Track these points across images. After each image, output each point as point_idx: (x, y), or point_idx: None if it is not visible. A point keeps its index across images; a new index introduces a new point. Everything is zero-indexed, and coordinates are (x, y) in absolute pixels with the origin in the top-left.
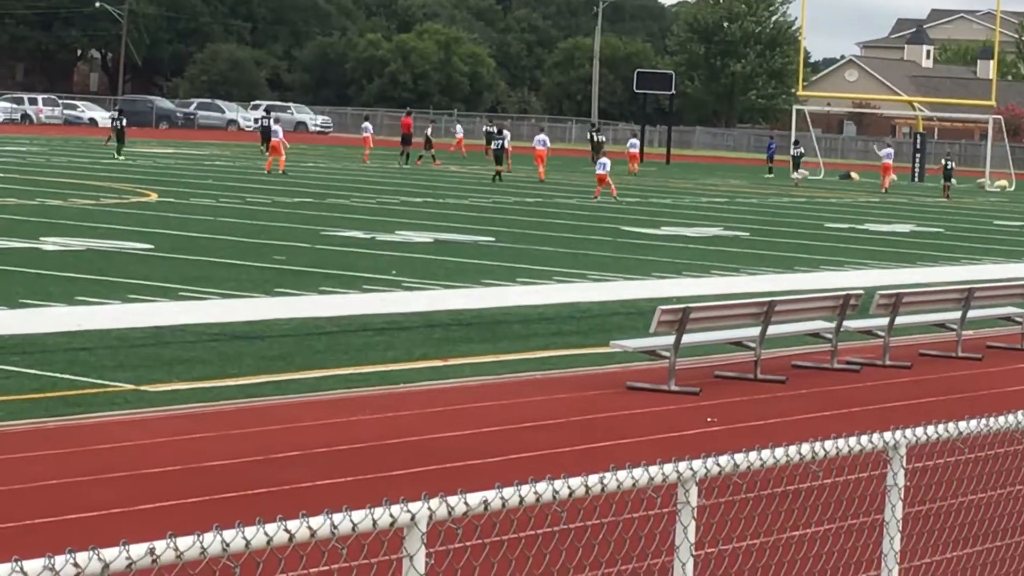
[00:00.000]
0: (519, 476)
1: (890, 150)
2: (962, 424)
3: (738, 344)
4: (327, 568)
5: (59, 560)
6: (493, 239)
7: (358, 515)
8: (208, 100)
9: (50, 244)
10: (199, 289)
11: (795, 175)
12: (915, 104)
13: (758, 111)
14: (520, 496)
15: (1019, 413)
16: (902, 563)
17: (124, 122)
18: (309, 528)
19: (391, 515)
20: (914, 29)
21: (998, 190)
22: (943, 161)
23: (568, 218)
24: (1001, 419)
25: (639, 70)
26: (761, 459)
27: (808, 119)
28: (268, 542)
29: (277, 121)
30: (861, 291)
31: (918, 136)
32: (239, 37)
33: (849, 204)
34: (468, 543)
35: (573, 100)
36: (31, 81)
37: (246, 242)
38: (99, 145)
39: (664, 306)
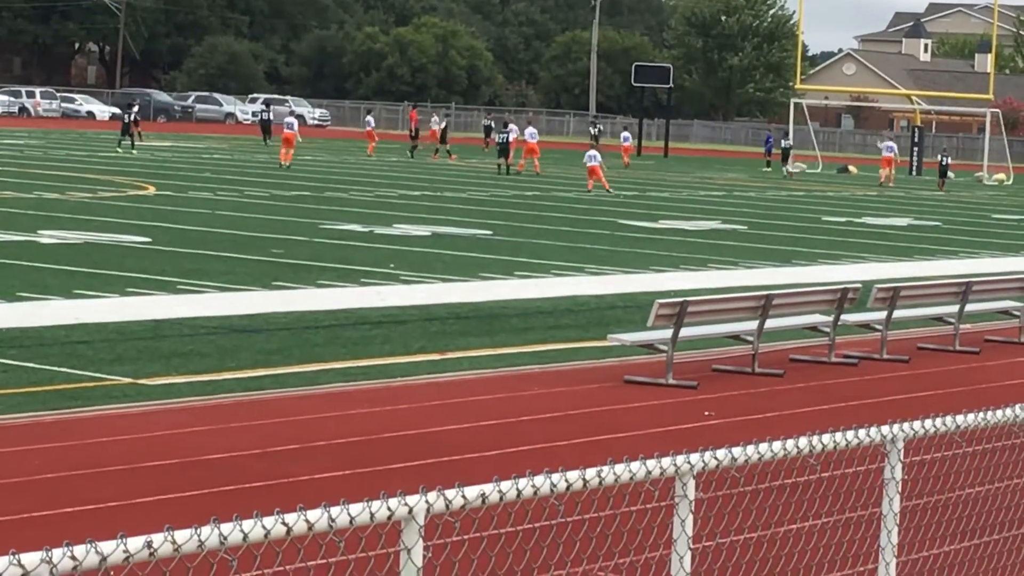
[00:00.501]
0: (517, 469)
1: (891, 143)
2: (960, 418)
3: (736, 338)
4: (324, 561)
5: (56, 553)
6: (491, 232)
7: (355, 508)
8: (206, 93)
9: (47, 237)
10: (197, 282)
11: (788, 168)
12: (913, 98)
13: (756, 104)
14: (517, 489)
15: (1017, 407)
16: (900, 556)
17: (132, 116)
18: (306, 521)
19: (388, 508)
20: (912, 23)
21: (996, 184)
22: (939, 157)
23: (566, 211)
24: (999, 412)
25: (637, 63)
26: (759, 452)
27: (806, 113)
28: (266, 535)
29: (292, 114)
30: (859, 285)
31: (916, 130)
32: (237, 30)
33: (847, 198)
34: (466, 536)
35: (571, 93)
36: (29, 74)
37: (244, 235)
38: (97, 139)
39: (662, 300)
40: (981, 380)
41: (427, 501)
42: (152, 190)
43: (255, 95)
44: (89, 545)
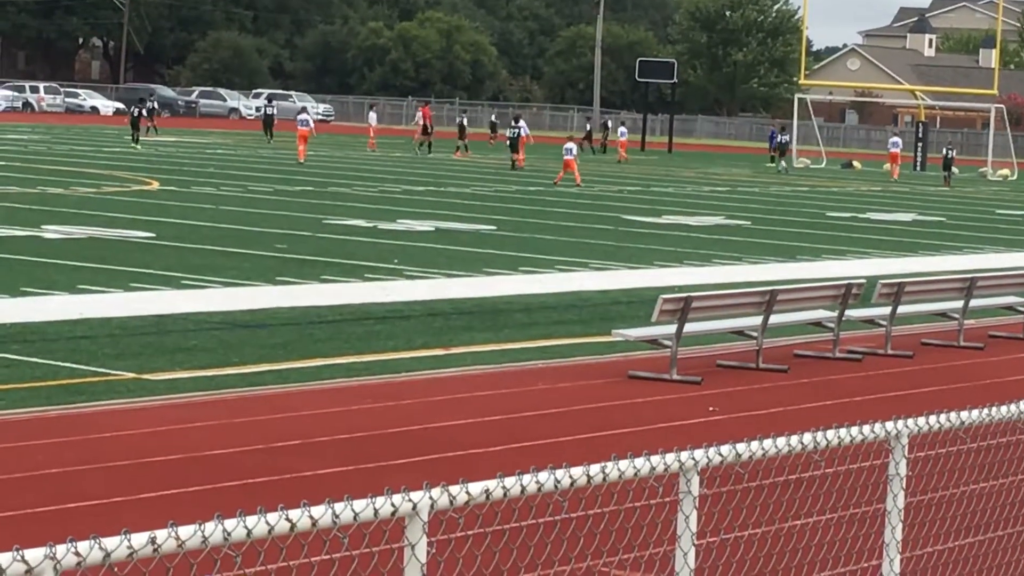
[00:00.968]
0: (521, 465)
1: (896, 139)
2: (964, 413)
3: (740, 333)
4: (328, 557)
5: (60, 549)
6: (495, 228)
7: (359, 504)
8: (210, 88)
9: (51, 232)
10: (201, 277)
11: (783, 163)
12: (917, 93)
13: (760, 100)
14: (522, 485)
15: (1021, 403)
16: (904, 552)
17: (142, 111)
18: (311, 517)
19: (393, 504)
20: (916, 18)
21: (1000, 179)
22: (944, 150)
23: (570, 207)
24: (1003, 408)
25: (641, 59)
26: (763, 448)
27: (810, 108)
28: (270, 531)
29: (304, 110)
30: (863, 280)
31: (920, 125)
32: (241, 25)
33: (851, 193)
34: (470, 532)
35: (575, 89)
36: (33, 69)
37: (248, 230)
38: (101, 134)
39: (666, 295)
40: (985, 376)
41: (431, 497)
42: (156, 185)
43: (259, 90)
44: (93, 541)
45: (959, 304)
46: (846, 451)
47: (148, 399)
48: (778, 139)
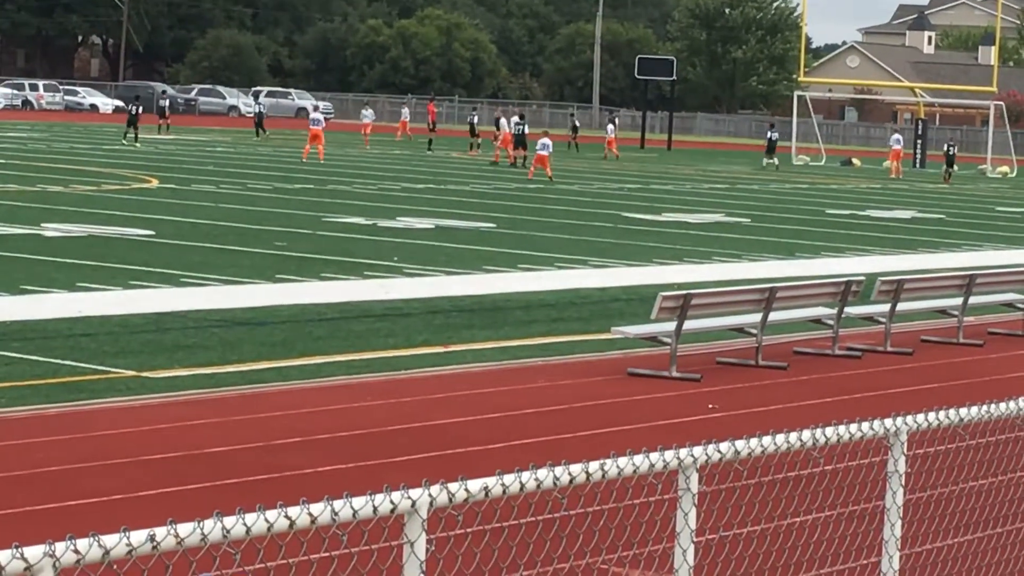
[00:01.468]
0: (520, 462)
1: (898, 136)
2: (963, 410)
3: (739, 330)
4: (328, 555)
5: (59, 546)
6: (494, 225)
7: (359, 501)
8: (209, 86)
9: (51, 230)
10: (200, 275)
11: (770, 160)
12: (916, 90)
13: (759, 97)
14: (521, 482)
15: (1020, 399)
16: (903, 549)
17: (140, 109)
18: (310, 514)
19: (392, 501)
20: (916, 15)
21: (1000, 176)
22: (946, 146)
23: (569, 204)
24: (1002, 405)
25: (640, 56)
26: (762, 445)
27: (809, 105)
28: (269, 528)
29: (316, 109)
30: (862, 277)
31: (919, 122)
32: (240, 23)
33: (850, 190)
34: (469, 529)
35: (574, 86)
36: (32, 67)
37: (247, 228)
38: (100, 132)
39: (665, 292)
40: (985, 373)
41: (430, 494)
42: (155, 183)
43: (258, 88)
44: (92, 539)
45: (958, 301)
46: (845, 448)
47: (148, 397)
48: (768, 135)
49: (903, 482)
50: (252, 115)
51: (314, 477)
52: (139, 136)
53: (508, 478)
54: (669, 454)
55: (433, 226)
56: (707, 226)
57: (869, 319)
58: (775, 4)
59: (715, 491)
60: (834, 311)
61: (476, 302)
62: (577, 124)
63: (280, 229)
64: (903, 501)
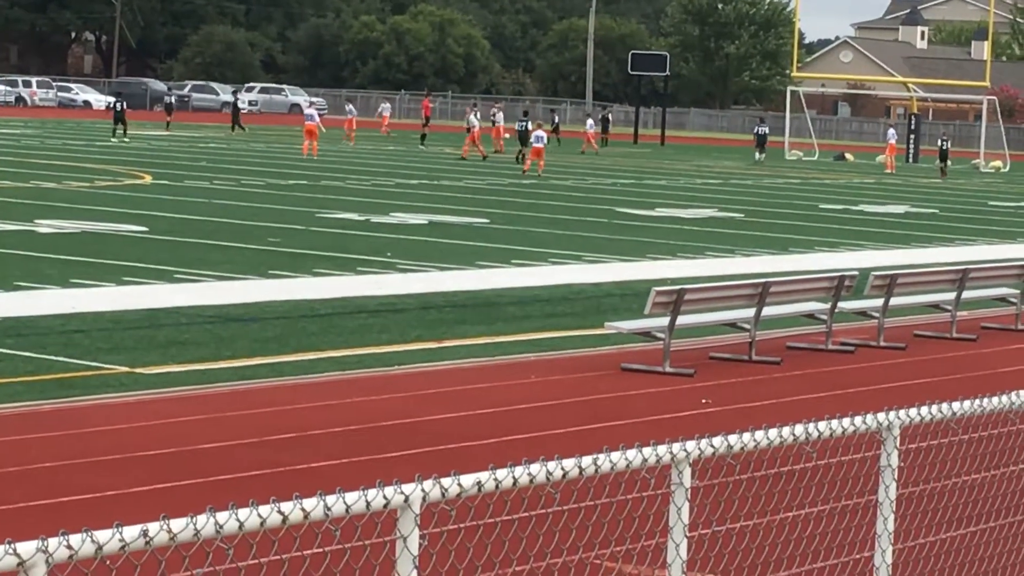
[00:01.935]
0: (513, 457)
1: (893, 131)
2: (956, 405)
3: (733, 325)
4: (321, 550)
5: (52, 542)
6: (488, 221)
7: (352, 496)
8: (202, 82)
9: (44, 227)
10: (193, 271)
11: (762, 155)
12: (910, 85)
13: (752, 93)
14: (514, 477)
15: (1013, 394)
16: (896, 544)
17: (124, 104)
18: (303, 510)
19: (385, 497)
20: (909, 10)
21: (992, 171)
22: (940, 142)
23: (563, 200)
24: (995, 400)
25: (634, 51)
26: (755, 440)
27: (802, 100)
28: (262, 524)
29: (311, 105)
30: (856, 272)
31: (912, 117)
32: (233, 19)
33: (844, 185)
34: (462, 524)
35: (568, 81)
36: (25, 63)
37: (241, 224)
38: (94, 128)
39: (659, 288)
40: (978, 367)
41: (423, 489)
42: (149, 179)
43: (251, 84)
44: (85, 534)
45: (951, 296)
46: (838, 442)
47: (141, 393)
48: (756, 130)
49: (896, 476)
50: (250, 111)
51: (307, 472)
52: (127, 131)
53: (501, 473)
54: (662, 449)
55: (427, 222)
56: (700, 221)
57: (862, 314)
58: None
59: (708, 486)
60: (827, 306)
61: (469, 298)
62: (557, 120)
63: (273, 225)
64: (896, 495)
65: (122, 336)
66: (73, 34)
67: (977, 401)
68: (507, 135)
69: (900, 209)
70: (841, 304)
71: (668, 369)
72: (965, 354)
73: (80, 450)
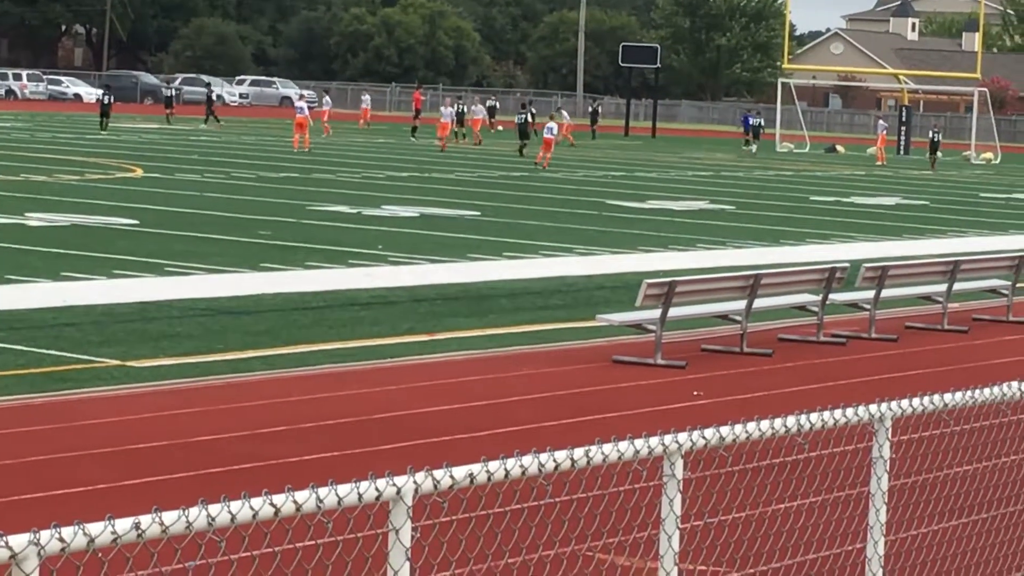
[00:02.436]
0: (505, 449)
1: (882, 122)
2: (947, 396)
3: (724, 317)
4: (313, 542)
5: (45, 534)
6: (479, 213)
7: (344, 489)
8: (193, 75)
9: (35, 220)
10: (185, 264)
11: (750, 147)
12: (901, 77)
13: (743, 85)
14: (506, 470)
15: (1004, 385)
16: (888, 535)
17: (111, 98)
18: (295, 502)
19: (377, 488)
20: (899, 2)
21: (984, 163)
22: (931, 133)
23: (554, 192)
24: (986, 391)
25: (624, 44)
26: (747, 432)
27: (793, 92)
28: (254, 516)
29: (302, 98)
30: (847, 264)
31: (904, 109)
32: (224, 12)
33: (835, 177)
34: (454, 517)
35: (559, 74)
36: (15, 56)
37: (232, 217)
38: (84, 121)
39: (650, 280)
40: (969, 359)
41: (415, 482)
42: (139, 172)
43: (242, 77)
44: (77, 527)
45: (943, 287)
46: (830, 434)
47: (133, 386)
48: (751, 122)
49: (888, 468)
50: (242, 104)
51: (299, 465)
52: (108, 124)
53: (493, 465)
54: (654, 440)
55: (418, 214)
56: (692, 213)
57: (854, 306)
58: None
59: (700, 477)
60: (819, 298)
61: (461, 290)
62: (533, 111)
63: (265, 218)
64: (888, 487)
65: (113, 329)
66: (63, 27)
67: (969, 393)
68: (500, 127)
69: (891, 201)
70: (832, 296)
71: (660, 361)
72: (956, 346)
73: (72, 443)
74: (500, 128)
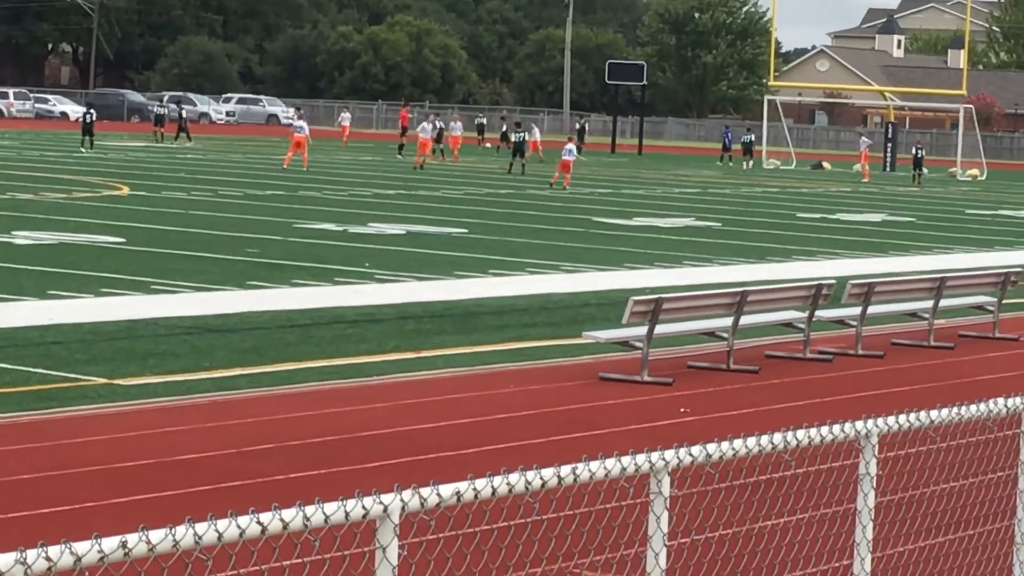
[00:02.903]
0: (492, 467)
1: (864, 139)
2: (934, 413)
3: (711, 334)
4: (300, 560)
5: (31, 554)
6: (466, 231)
7: (331, 507)
8: (180, 93)
9: (22, 238)
10: (171, 282)
11: (746, 163)
12: (886, 94)
13: (729, 102)
14: (492, 487)
15: (991, 402)
16: (874, 552)
17: (94, 116)
18: (281, 520)
19: (363, 507)
20: (885, 19)
21: (970, 179)
22: (914, 149)
23: (540, 209)
24: (973, 407)
25: (611, 61)
26: (734, 449)
27: (779, 109)
28: (240, 535)
29: (300, 117)
30: (833, 281)
31: (889, 126)
32: (211, 30)
33: (821, 194)
34: (441, 535)
35: (545, 91)
36: (2, 75)
37: (218, 235)
38: (71, 139)
39: (636, 297)
40: (955, 375)
41: (402, 500)
42: (126, 190)
43: (229, 95)
44: (64, 546)
45: (929, 304)
46: (816, 451)
47: (119, 404)
48: (743, 139)
49: (874, 484)
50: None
51: (286, 483)
52: (93, 143)
53: (480, 482)
54: (641, 458)
55: (404, 231)
56: (678, 230)
57: (840, 322)
58: (744, 8)
59: (687, 495)
60: (805, 315)
61: (447, 307)
62: (505, 129)
63: (251, 236)
64: (874, 503)
65: (100, 347)
66: (50, 45)
67: (955, 409)
68: (488, 144)
69: (877, 217)
70: (819, 313)
71: (646, 378)
72: (943, 362)
73: (58, 462)
74: (488, 145)
